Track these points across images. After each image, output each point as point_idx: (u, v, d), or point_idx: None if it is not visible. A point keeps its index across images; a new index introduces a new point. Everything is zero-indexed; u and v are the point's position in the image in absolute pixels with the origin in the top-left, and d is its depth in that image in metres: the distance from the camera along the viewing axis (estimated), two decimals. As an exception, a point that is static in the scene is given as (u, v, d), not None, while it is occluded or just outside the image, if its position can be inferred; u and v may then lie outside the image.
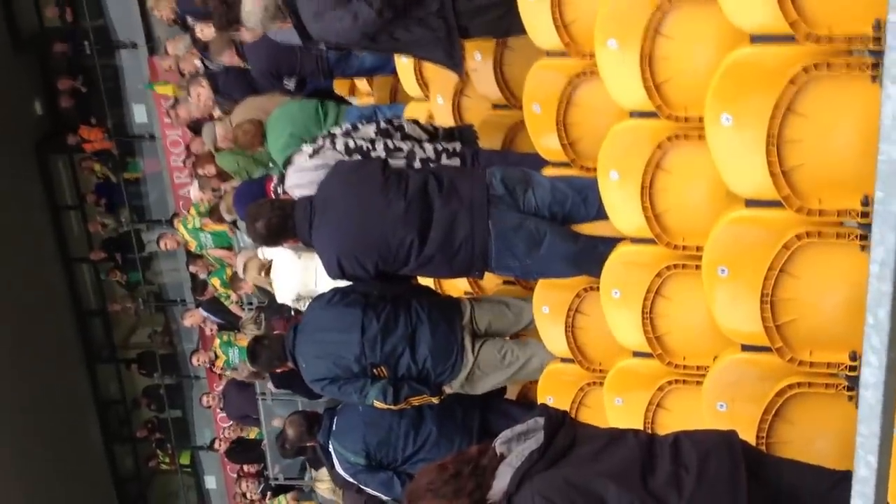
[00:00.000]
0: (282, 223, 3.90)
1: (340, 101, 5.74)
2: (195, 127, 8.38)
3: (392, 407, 4.04)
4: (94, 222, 14.37)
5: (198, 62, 7.25)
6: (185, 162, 11.38)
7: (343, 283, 4.13)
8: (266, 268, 5.60)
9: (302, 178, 4.19)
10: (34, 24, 13.69)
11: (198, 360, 10.58)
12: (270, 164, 5.66)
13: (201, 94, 6.55)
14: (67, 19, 13.27)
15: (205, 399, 11.30)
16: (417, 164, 4.10)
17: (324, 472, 5.20)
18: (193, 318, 10.35)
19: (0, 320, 12.36)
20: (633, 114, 3.36)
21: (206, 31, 6.51)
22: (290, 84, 5.83)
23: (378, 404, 4.04)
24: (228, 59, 5.82)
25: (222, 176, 6.90)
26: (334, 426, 4.40)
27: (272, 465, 9.78)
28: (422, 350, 4.02)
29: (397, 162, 4.07)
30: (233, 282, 8.10)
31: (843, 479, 2.44)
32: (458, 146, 4.24)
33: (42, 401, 13.29)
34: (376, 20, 3.71)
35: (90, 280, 15.17)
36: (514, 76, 4.42)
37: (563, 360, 4.07)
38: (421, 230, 3.74)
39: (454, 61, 3.94)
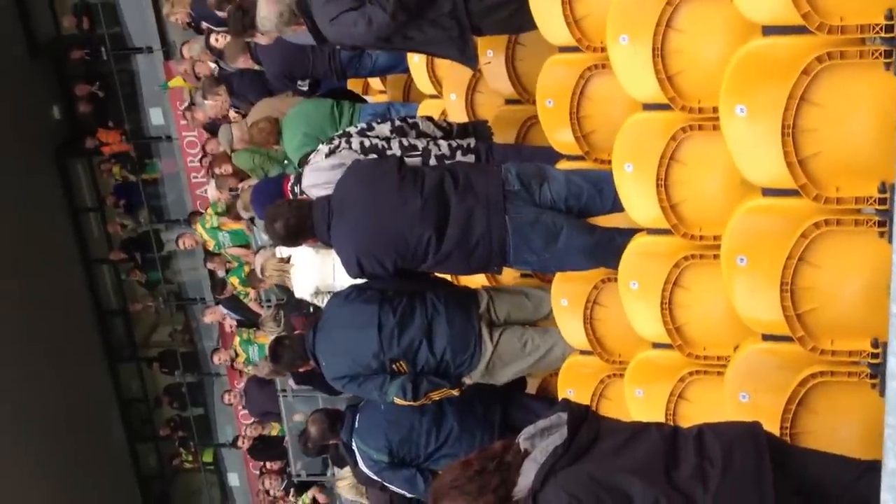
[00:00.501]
0: (300, 223, 3.91)
1: (356, 100, 5.75)
2: (211, 128, 8.44)
3: (412, 403, 4.04)
4: (113, 223, 14.45)
5: (213, 65, 7.30)
6: (201, 162, 11.43)
7: (361, 280, 4.15)
8: (285, 261, 5.61)
9: (318, 178, 4.20)
10: (51, 31, 13.77)
11: (219, 358, 10.65)
12: (286, 162, 5.68)
13: (218, 101, 6.60)
14: (84, 27, 13.35)
15: (226, 396, 11.33)
16: (433, 162, 4.10)
17: (345, 471, 5.20)
18: (214, 315, 10.41)
19: (22, 322, 12.47)
20: (646, 106, 3.36)
21: (220, 40, 6.57)
22: (304, 86, 5.87)
23: (398, 401, 4.04)
24: (243, 64, 5.85)
25: (239, 175, 6.94)
26: (357, 424, 4.40)
27: (294, 461, 9.83)
28: (439, 341, 4.02)
29: (413, 160, 4.07)
30: (251, 279, 8.13)
31: (869, 469, 2.44)
32: (472, 142, 4.25)
33: (65, 401, 13.40)
34: (390, 23, 3.74)
35: (110, 280, 15.27)
36: (527, 72, 4.43)
37: (583, 352, 4.06)
38: (438, 227, 3.75)
39: (467, 58, 3.95)
